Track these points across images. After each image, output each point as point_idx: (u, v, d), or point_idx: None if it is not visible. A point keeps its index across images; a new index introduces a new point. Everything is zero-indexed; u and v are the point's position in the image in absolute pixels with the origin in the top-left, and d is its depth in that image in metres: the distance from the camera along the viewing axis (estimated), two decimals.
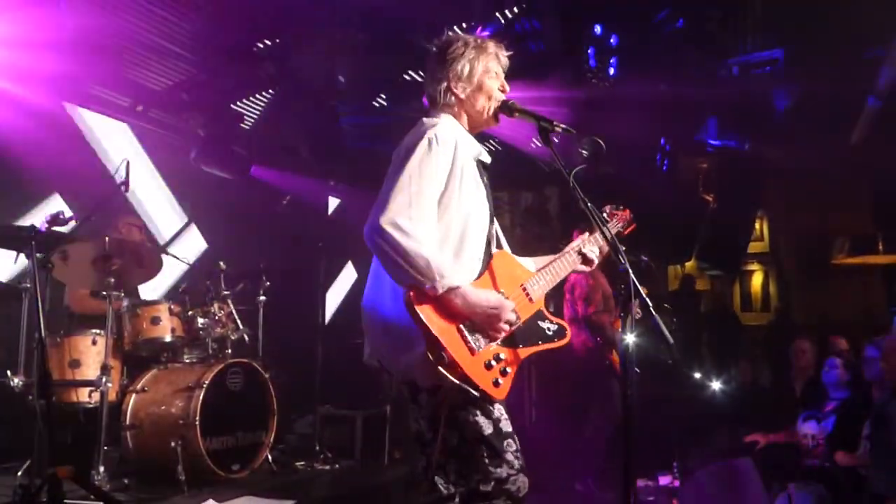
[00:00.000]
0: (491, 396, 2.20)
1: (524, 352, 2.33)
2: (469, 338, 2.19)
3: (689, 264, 10.42)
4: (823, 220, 9.73)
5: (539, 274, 2.48)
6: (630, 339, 2.19)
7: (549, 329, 2.42)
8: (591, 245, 2.64)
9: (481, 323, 2.20)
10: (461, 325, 2.19)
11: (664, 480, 5.44)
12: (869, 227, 9.29)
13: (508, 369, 2.25)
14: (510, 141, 7.22)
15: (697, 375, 7.63)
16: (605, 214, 2.87)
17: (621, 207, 2.94)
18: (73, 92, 5.62)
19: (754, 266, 11.03)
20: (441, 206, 2.27)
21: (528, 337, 2.36)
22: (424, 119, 2.42)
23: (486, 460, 2.21)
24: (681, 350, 7.66)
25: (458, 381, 2.13)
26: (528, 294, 2.41)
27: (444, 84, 2.45)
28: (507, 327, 2.24)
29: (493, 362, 2.22)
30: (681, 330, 7.74)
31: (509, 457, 2.24)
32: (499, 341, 2.25)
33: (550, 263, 2.54)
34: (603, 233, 2.32)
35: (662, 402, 6.84)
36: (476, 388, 2.16)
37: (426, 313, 2.14)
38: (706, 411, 7.36)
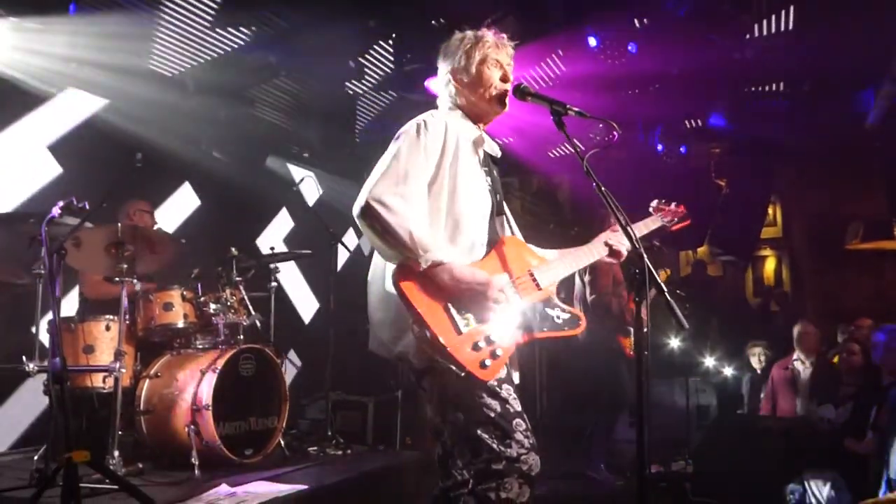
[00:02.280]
0: (477, 378, 2.17)
1: (525, 337, 2.30)
2: (456, 317, 2.18)
3: (700, 250, 10.38)
4: (837, 206, 9.63)
5: (554, 262, 2.45)
6: (645, 324, 2.17)
7: (558, 317, 2.38)
8: (618, 236, 2.56)
9: (469, 300, 2.19)
10: (448, 304, 2.18)
11: (676, 466, 5.44)
12: (883, 212, 9.19)
13: (499, 352, 2.20)
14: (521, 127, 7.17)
15: (709, 361, 7.62)
16: (651, 208, 2.88)
17: (674, 203, 2.91)
18: None
19: (767, 251, 10.97)
20: (433, 189, 2.30)
21: (532, 323, 2.33)
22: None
23: (496, 441, 2.21)
24: (693, 335, 7.64)
25: (442, 360, 2.13)
26: (535, 279, 2.38)
27: (447, 77, 2.53)
28: (496, 306, 2.21)
29: (483, 344, 2.18)
30: (693, 315, 7.71)
31: (519, 436, 2.23)
32: (490, 322, 2.21)
33: (571, 253, 2.52)
34: (616, 217, 2.27)
35: (674, 388, 6.83)
36: (461, 368, 2.13)
37: (410, 290, 2.15)
38: (719, 397, 7.34)
